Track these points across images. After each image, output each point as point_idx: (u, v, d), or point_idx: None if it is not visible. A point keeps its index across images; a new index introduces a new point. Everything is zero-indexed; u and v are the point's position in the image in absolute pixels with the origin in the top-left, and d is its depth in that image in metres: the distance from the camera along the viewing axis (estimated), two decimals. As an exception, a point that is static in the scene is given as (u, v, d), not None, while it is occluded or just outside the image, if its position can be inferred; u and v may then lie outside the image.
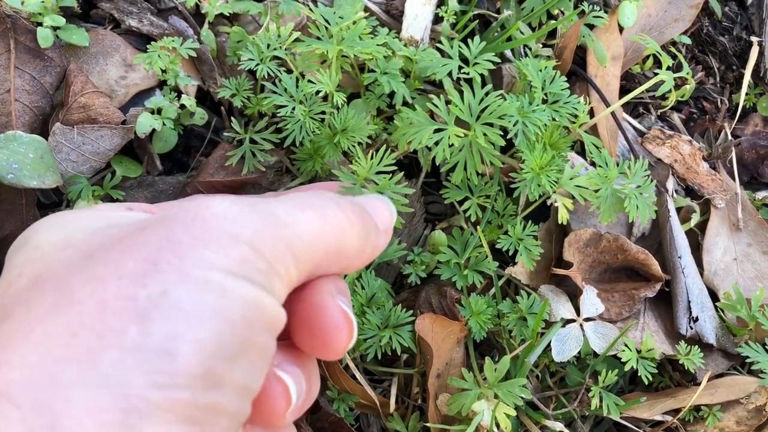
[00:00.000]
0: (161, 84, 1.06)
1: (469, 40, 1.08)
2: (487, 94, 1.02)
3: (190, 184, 1.00)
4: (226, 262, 0.40)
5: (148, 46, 1.03)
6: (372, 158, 0.99)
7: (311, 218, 0.46)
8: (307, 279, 0.49)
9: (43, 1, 0.98)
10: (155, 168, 1.04)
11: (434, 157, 1.02)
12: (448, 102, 1.03)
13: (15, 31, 0.97)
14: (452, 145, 0.99)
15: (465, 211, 1.09)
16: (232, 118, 1.05)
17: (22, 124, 0.93)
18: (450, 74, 1.05)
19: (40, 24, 1.00)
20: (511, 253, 1.09)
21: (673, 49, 1.27)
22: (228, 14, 1.09)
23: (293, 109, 0.99)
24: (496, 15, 1.23)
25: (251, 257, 0.41)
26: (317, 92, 1.01)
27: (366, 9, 1.17)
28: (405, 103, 1.10)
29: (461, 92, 1.02)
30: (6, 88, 0.94)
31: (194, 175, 1.03)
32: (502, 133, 1.00)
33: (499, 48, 1.16)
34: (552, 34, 1.25)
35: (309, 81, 1.00)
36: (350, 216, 0.49)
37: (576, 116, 1.11)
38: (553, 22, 1.22)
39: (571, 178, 1.08)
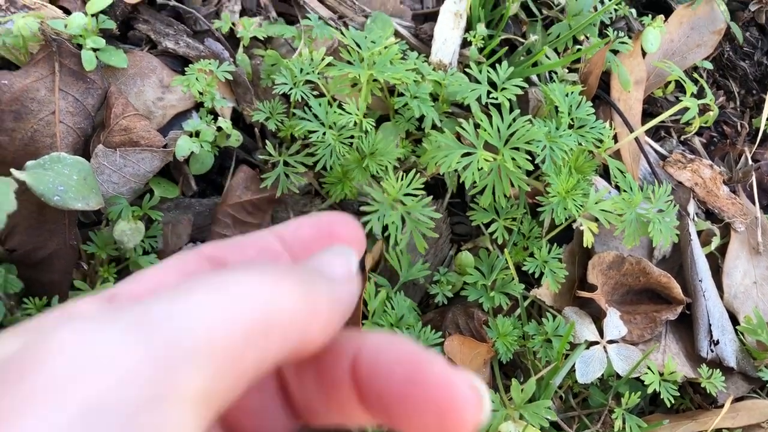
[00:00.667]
0: (197, 106, 1.08)
1: (497, 65, 1.10)
2: (515, 119, 1.04)
3: (220, 209, 1.03)
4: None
5: (185, 68, 1.06)
6: (401, 179, 1.02)
7: (219, 302, 0.30)
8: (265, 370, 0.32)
9: (84, 24, 1.01)
10: (190, 188, 1.06)
11: (460, 179, 1.04)
12: (476, 126, 1.06)
13: (60, 54, 0.99)
14: (481, 168, 1.01)
15: (491, 233, 1.11)
16: (267, 141, 1.08)
17: (66, 145, 0.96)
18: (478, 98, 1.08)
19: (80, 45, 1.03)
20: (536, 275, 1.10)
21: (696, 76, 1.29)
22: (262, 38, 1.11)
23: (324, 134, 1.01)
24: (522, 39, 1.25)
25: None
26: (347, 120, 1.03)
27: (396, 33, 1.19)
28: (434, 126, 1.13)
29: (489, 116, 1.04)
30: (51, 110, 0.97)
31: (223, 198, 1.05)
32: (529, 158, 1.02)
33: (525, 73, 1.18)
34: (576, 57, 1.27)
35: (339, 108, 1.02)
36: (281, 283, 0.33)
37: (601, 141, 1.13)
38: (578, 47, 1.24)
39: (596, 202, 1.10)
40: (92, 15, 1.02)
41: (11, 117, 0.95)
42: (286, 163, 1.05)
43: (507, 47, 1.23)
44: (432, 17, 1.24)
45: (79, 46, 1.02)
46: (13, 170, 0.86)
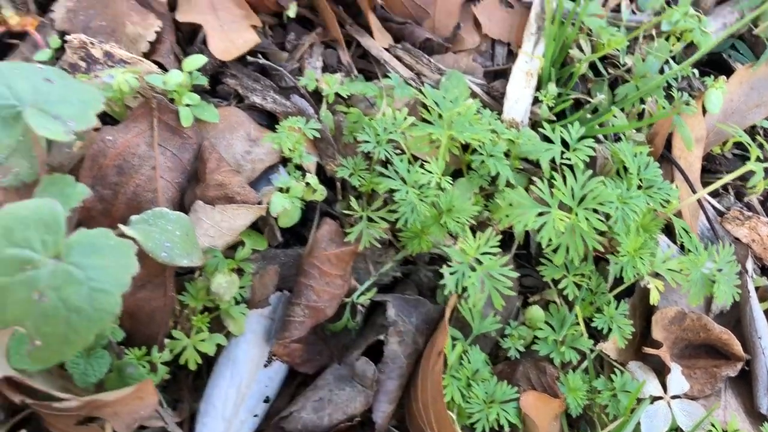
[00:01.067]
0: (283, 159, 1.12)
1: (569, 125, 1.14)
2: (587, 179, 1.08)
3: (306, 261, 1.07)
4: None
5: (274, 124, 1.10)
6: (478, 239, 1.06)
7: None
8: None
9: (181, 81, 1.06)
10: (275, 239, 1.10)
11: (527, 231, 1.08)
12: (550, 185, 1.09)
13: (159, 111, 1.04)
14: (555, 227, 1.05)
15: (561, 289, 1.15)
16: (347, 193, 1.12)
17: (166, 200, 1.00)
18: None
19: (172, 100, 1.08)
20: (603, 330, 1.14)
21: (760, 138, 1.32)
22: (345, 96, 1.16)
23: (406, 192, 1.05)
24: (588, 97, 1.29)
25: None
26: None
27: (470, 90, 1.23)
28: (506, 183, 1.16)
29: (562, 175, 1.08)
30: (151, 165, 1.01)
31: (308, 250, 1.09)
32: (602, 219, 1.06)
33: (594, 132, 1.22)
34: (640, 113, 1.31)
35: (421, 167, 1.06)
36: None
37: (668, 201, 1.17)
38: (643, 106, 1.28)
39: (663, 262, 1.14)
40: (188, 72, 1.07)
41: (114, 171, 1.00)
42: (368, 218, 1.09)
43: (572, 102, 1.27)
44: (502, 74, 1.28)
45: (171, 100, 1.07)
46: (122, 226, 0.90)
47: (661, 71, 1.27)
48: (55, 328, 0.77)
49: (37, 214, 0.78)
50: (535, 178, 1.18)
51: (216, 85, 1.17)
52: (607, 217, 1.09)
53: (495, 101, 1.24)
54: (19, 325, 0.77)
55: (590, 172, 1.10)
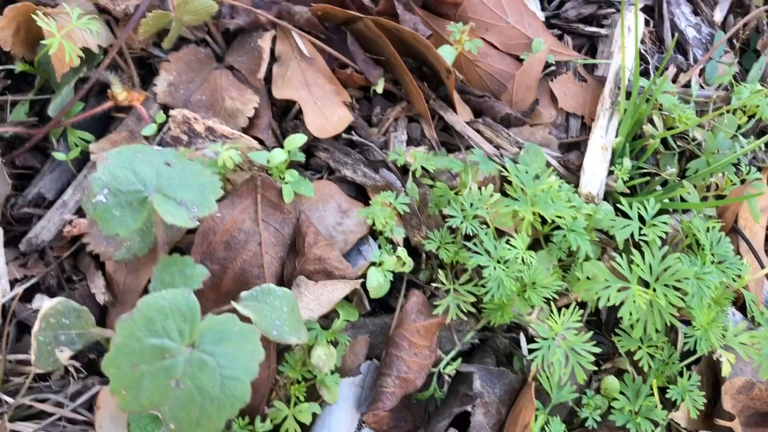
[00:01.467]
0: (371, 230, 1.17)
1: (644, 201, 1.19)
2: (664, 255, 1.13)
3: (396, 332, 1.12)
4: None
5: (365, 197, 1.16)
6: (563, 315, 1.11)
7: None
8: None
9: (284, 160, 1.11)
10: (363, 308, 1.15)
11: (598, 299, 1.13)
12: (629, 260, 1.14)
13: (263, 187, 1.10)
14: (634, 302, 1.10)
15: (636, 360, 1.19)
16: (431, 263, 1.17)
17: (271, 275, 1.06)
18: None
19: (269, 174, 1.13)
20: (678, 402, 1.18)
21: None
22: (431, 170, 1.21)
23: (494, 268, 1.10)
24: (658, 171, 1.33)
25: None
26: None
27: (546, 163, 1.28)
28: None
29: (639, 249, 1.13)
30: (257, 241, 1.07)
31: (397, 321, 1.14)
32: (680, 295, 1.11)
33: (667, 206, 1.27)
34: (708, 186, 1.35)
35: (507, 243, 1.11)
36: None
37: (740, 276, 1.21)
38: (713, 180, 1.32)
39: (735, 335, 1.18)
40: (288, 150, 1.13)
41: (222, 247, 1.05)
42: (455, 290, 1.14)
43: (648, 178, 1.32)
44: (575, 146, 1.33)
45: (269, 174, 1.12)
46: (236, 305, 0.96)
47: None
48: (189, 414, 0.82)
49: (175, 304, 0.83)
50: (613, 253, 1.23)
51: (309, 157, 1.22)
52: (683, 291, 1.13)
53: (570, 173, 1.29)
54: (156, 409, 0.82)
55: (666, 248, 1.14)
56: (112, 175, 0.94)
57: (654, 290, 1.12)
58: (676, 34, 1.49)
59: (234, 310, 0.95)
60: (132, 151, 0.98)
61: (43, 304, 0.94)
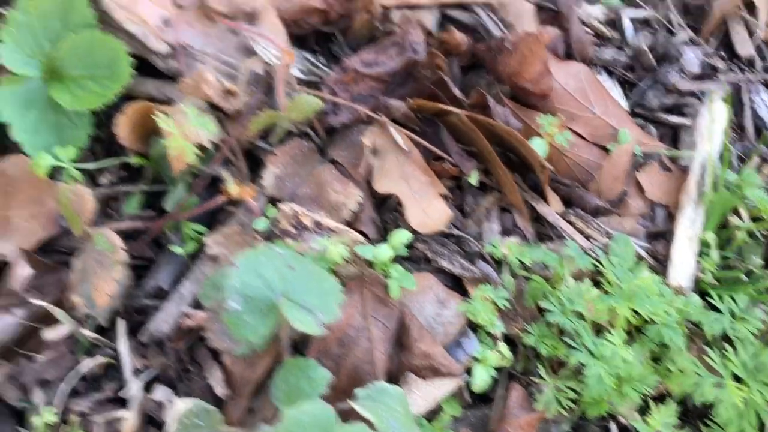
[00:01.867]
0: (469, 322, 1.21)
1: (734, 296, 1.22)
2: (756, 352, 1.15)
3: (499, 427, 1.14)
4: None
5: (461, 287, 1.19)
6: (661, 411, 1.13)
7: None
8: None
9: (390, 256, 1.16)
10: (464, 401, 1.18)
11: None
12: (722, 355, 1.16)
13: (370, 283, 1.14)
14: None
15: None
16: (537, 364, 1.20)
17: (380, 371, 1.10)
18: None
19: (371, 267, 1.18)
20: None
21: None
22: (529, 263, 1.25)
23: (594, 365, 1.13)
24: (742, 260, 1.36)
25: None
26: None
27: (637, 254, 1.31)
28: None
29: (731, 344, 1.15)
30: (367, 337, 1.11)
31: (500, 416, 1.17)
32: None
33: (755, 298, 1.29)
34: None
35: (607, 341, 1.14)
36: None
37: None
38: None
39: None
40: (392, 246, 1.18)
41: (336, 344, 1.10)
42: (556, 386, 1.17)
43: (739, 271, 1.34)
44: (661, 236, 1.36)
45: (370, 266, 1.17)
46: (355, 405, 0.99)
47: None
48: None
49: (315, 418, 0.88)
50: (703, 346, 1.25)
51: (407, 248, 1.26)
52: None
53: (658, 263, 1.32)
54: None
55: (759, 343, 1.17)
56: (242, 281, 0.99)
57: (748, 386, 1.14)
58: (764, 131, 1.51)
59: (352, 410, 0.99)
60: (257, 255, 1.03)
61: (176, 403, 1.00)
